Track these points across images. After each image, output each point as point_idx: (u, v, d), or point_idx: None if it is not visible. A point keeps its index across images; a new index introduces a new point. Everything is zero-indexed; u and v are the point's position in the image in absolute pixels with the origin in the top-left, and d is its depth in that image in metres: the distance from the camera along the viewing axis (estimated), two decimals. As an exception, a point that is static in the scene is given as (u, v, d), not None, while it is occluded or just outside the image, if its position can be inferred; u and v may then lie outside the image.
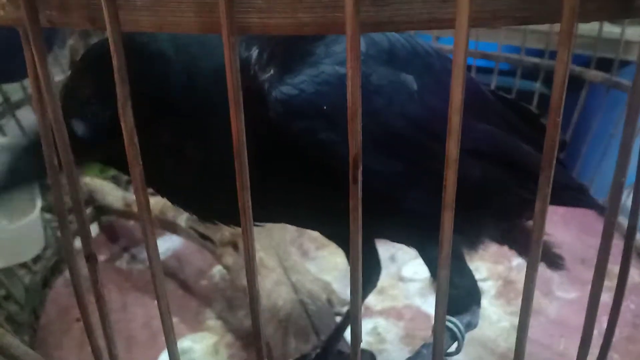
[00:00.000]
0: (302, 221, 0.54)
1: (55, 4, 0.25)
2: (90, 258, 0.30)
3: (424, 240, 0.49)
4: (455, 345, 0.49)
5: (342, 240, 0.60)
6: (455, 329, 0.48)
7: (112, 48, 0.23)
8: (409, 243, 0.52)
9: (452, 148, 0.24)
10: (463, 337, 0.49)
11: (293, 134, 0.41)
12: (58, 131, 0.27)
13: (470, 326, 0.51)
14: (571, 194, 0.60)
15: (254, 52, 0.42)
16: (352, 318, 0.29)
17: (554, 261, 0.67)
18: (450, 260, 0.27)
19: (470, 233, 0.53)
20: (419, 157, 0.44)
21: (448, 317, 0.49)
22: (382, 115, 0.43)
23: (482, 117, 0.49)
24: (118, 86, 0.24)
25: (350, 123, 0.24)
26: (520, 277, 0.84)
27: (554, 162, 0.26)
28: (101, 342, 0.80)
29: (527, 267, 0.30)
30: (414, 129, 0.43)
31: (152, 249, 0.28)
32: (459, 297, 0.50)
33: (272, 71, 0.41)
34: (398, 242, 0.54)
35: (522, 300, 0.30)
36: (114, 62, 0.23)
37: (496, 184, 0.50)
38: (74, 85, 0.41)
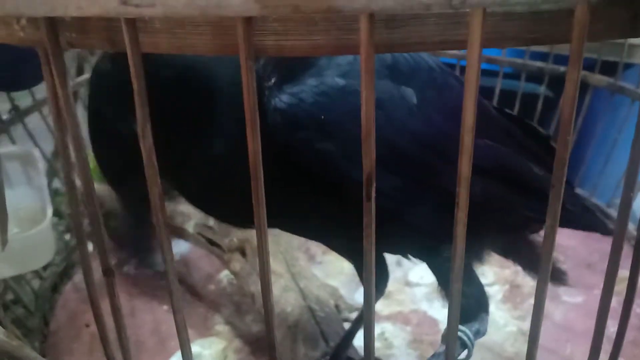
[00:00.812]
0: (304, 232, 0.55)
1: (75, 26, 0.26)
2: (108, 272, 0.30)
3: (430, 253, 0.50)
4: (465, 353, 0.50)
5: (346, 251, 0.61)
6: (464, 337, 0.49)
7: (132, 71, 0.24)
8: (414, 256, 0.52)
9: (465, 166, 0.25)
10: (472, 345, 0.49)
11: (291, 144, 0.41)
12: (77, 150, 0.28)
13: (479, 334, 0.51)
14: (578, 216, 0.60)
15: (260, 61, 0.43)
16: (365, 333, 0.30)
17: (558, 277, 0.67)
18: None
19: (473, 246, 0.53)
20: (420, 172, 0.45)
21: (461, 327, 0.50)
22: (381, 129, 0.43)
23: (484, 132, 0.50)
24: (138, 109, 0.24)
25: (364, 142, 0.24)
26: (527, 281, 0.85)
27: (564, 179, 0.26)
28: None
29: (537, 287, 0.30)
30: (414, 144, 0.44)
31: (170, 265, 0.29)
32: (468, 305, 0.50)
33: (273, 80, 0.42)
34: (403, 255, 0.55)
35: (532, 316, 0.31)
36: (134, 85, 0.24)
37: (499, 201, 0.50)
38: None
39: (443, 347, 0.49)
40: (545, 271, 0.28)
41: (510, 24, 0.24)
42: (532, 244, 0.62)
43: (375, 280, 0.62)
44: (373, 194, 0.26)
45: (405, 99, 0.44)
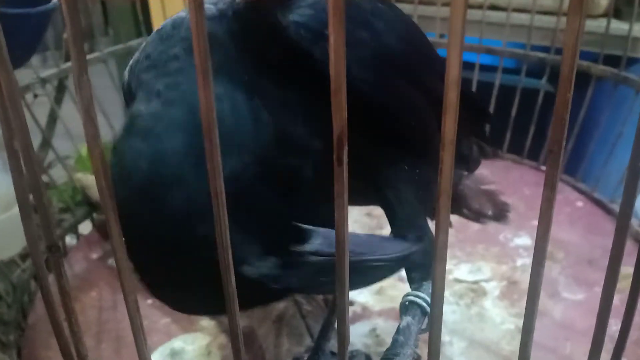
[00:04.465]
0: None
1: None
2: (53, 249, 0.27)
3: (389, 169, 0.47)
4: (426, 321, 0.46)
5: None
6: (424, 304, 0.45)
7: None
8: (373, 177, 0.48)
9: (450, 127, 0.22)
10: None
11: (317, 58, 0.38)
12: (14, 111, 0.25)
13: None
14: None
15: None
16: (339, 320, 0.26)
17: (502, 212, 0.65)
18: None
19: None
20: (397, 73, 0.44)
21: (415, 292, 0.46)
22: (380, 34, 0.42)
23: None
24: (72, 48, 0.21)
25: (334, 96, 0.21)
26: (525, 278, 0.81)
27: (563, 143, 0.23)
28: (90, 342, 0.77)
29: (532, 267, 0.27)
30: (383, 48, 0.43)
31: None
32: (421, 259, 0.46)
33: (270, 7, 0.40)
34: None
35: (527, 301, 0.28)
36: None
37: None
38: None
39: (406, 320, 0.44)
40: (543, 245, 0.25)
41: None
42: (467, 189, 0.62)
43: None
44: (345, 158, 0.22)
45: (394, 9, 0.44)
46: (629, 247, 0.27)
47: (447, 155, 0.22)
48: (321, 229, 0.37)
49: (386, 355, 0.42)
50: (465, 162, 0.60)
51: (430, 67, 0.48)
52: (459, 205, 0.64)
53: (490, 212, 0.66)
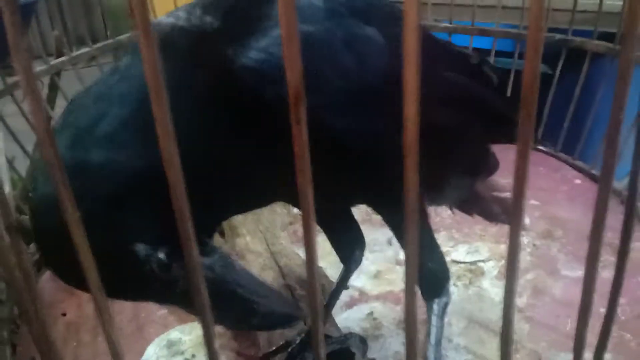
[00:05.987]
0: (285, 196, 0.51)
1: None
2: (11, 229, 0.26)
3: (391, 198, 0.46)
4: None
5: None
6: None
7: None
8: (380, 205, 0.48)
9: (410, 105, 0.20)
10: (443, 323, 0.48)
11: (265, 103, 0.37)
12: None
13: (447, 305, 0.50)
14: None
15: (207, 19, 0.39)
16: (311, 300, 0.25)
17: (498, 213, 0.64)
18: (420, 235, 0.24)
19: (435, 188, 0.51)
20: (394, 110, 0.41)
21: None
22: (354, 72, 0.39)
23: (447, 64, 0.48)
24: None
25: (286, 47, 0.20)
26: (523, 256, 0.80)
27: (536, 101, 0.22)
28: (86, 337, 0.76)
29: (510, 233, 0.26)
30: (388, 83, 0.41)
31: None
32: (433, 277, 0.48)
33: (231, 37, 0.38)
34: (371, 204, 0.51)
35: (507, 270, 0.26)
36: None
37: (462, 127, 0.48)
38: None
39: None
40: (520, 201, 0.24)
41: None
42: (484, 197, 0.62)
43: (350, 247, 0.59)
44: (303, 116, 0.21)
45: (372, 38, 0.40)
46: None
47: (411, 130, 0.21)
48: (223, 252, 0.38)
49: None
50: (475, 166, 0.59)
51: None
52: (469, 210, 0.64)
53: (503, 218, 0.64)
